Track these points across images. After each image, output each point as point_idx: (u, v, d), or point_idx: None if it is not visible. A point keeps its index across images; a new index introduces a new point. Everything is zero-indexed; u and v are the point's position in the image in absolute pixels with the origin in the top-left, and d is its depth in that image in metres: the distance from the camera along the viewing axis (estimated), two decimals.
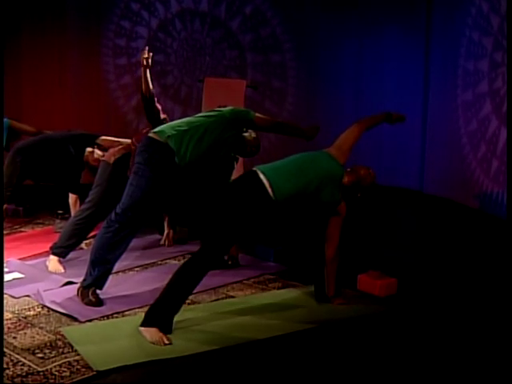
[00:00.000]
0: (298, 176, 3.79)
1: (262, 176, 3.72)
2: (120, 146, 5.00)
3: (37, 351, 3.38)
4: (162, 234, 5.70)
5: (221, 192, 4.59)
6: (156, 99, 4.73)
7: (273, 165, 3.87)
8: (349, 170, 3.99)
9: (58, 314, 3.91)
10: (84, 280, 4.12)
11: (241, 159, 5.36)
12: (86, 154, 5.66)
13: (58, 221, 6.07)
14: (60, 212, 6.09)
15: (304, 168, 3.84)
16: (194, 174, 4.25)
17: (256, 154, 4.68)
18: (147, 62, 4.47)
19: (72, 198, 5.67)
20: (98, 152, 5.55)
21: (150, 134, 4.12)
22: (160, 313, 3.59)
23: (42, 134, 6.09)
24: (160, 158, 4.00)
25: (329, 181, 3.84)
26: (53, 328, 3.70)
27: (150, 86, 4.58)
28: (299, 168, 3.84)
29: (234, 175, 4.75)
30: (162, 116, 4.80)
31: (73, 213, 5.54)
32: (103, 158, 4.99)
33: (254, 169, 3.81)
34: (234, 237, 3.73)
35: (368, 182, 4.03)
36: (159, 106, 4.79)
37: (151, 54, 4.48)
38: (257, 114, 4.23)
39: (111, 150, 4.99)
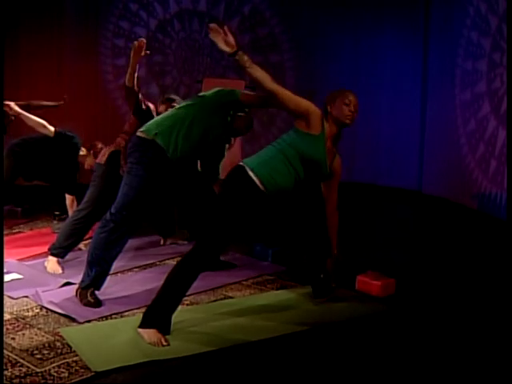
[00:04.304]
0: (285, 165, 3.70)
1: (251, 173, 3.65)
2: (109, 146, 5.03)
3: (35, 352, 3.37)
4: (160, 235, 5.70)
5: (212, 191, 4.59)
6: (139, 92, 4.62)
7: (259, 157, 3.74)
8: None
9: (56, 315, 3.91)
10: (82, 281, 4.12)
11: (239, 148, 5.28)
12: (81, 154, 5.70)
13: (55, 222, 6.07)
14: (57, 213, 6.10)
15: (288, 155, 3.73)
16: (187, 171, 4.25)
17: (248, 131, 4.58)
18: (141, 50, 4.34)
19: (69, 198, 5.69)
20: (88, 162, 5.60)
21: (138, 133, 4.12)
22: (157, 313, 3.58)
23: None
24: (152, 156, 4.01)
25: (311, 153, 3.72)
26: (51, 329, 3.70)
27: (135, 80, 4.52)
28: (284, 156, 3.73)
29: (232, 161, 4.64)
30: (145, 107, 4.72)
31: (70, 213, 5.55)
32: (97, 161, 5.02)
33: (242, 164, 3.73)
34: (227, 235, 3.69)
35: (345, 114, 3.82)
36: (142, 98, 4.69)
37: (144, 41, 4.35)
38: (243, 92, 4.19)
39: (102, 151, 5.02)
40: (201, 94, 4.27)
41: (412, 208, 7.54)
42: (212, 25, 3.53)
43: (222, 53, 3.58)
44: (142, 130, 4.12)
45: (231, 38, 3.50)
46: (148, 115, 4.62)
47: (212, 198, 4.49)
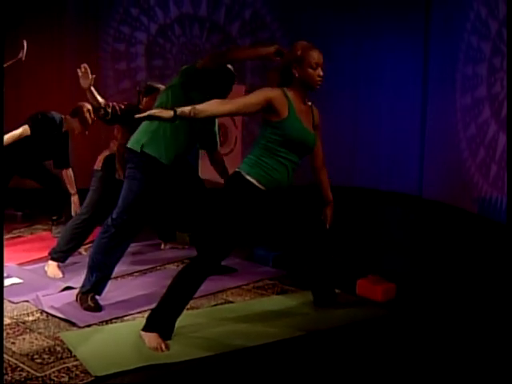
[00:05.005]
0: (275, 159, 3.65)
1: (248, 177, 3.65)
2: (104, 151, 5.06)
3: (35, 356, 3.37)
4: (160, 239, 5.70)
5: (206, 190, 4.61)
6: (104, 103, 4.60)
7: (249, 159, 3.69)
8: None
9: (56, 320, 3.90)
10: (82, 286, 4.12)
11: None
12: (65, 120, 5.84)
13: (53, 227, 6.06)
14: (54, 218, 6.09)
15: (273, 149, 3.66)
16: (183, 170, 4.26)
17: (233, 84, 4.45)
18: (86, 75, 4.32)
19: (66, 174, 5.83)
20: (78, 128, 5.76)
21: (129, 146, 4.16)
22: (160, 318, 3.58)
23: None
24: (147, 161, 4.05)
25: (291, 137, 3.65)
26: (51, 333, 3.69)
27: (100, 100, 4.52)
28: (270, 151, 3.66)
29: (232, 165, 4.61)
30: (120, 112, 4.67)
31: (72, 191, 5.74)
32: (94, 167, 5.03)
33: (238, 170, 3.73)
34: (232, 240, 3.69)
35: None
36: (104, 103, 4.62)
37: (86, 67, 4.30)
38: (199, 60, 4.13)
39: (99, 157, 5.04)
40: (168, 83, 4.27)
41: (412, 212, 7.54)
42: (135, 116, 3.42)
43: None
44: (130, 143, 4.16)
45: (162, 111, 3.36)
46: (127, 116, 4.64)
47: (208, 197, 4.52)
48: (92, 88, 4.35)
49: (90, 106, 5.63)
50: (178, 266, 5.06)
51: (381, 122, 8.14)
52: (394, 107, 8.04)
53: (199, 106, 3.39)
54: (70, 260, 4.93)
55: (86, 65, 4.29)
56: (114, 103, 4.65)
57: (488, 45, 6.35)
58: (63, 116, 5.91)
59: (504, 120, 5.91)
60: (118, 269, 4.36)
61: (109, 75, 8.44)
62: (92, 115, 5.63)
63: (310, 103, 3.84)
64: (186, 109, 3.35)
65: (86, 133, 5.79)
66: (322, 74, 3.70)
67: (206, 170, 6.33)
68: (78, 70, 4.29)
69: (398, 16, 7.94)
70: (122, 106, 4.67)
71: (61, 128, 5.87)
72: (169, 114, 3.32)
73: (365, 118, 8.23)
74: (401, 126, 8.01)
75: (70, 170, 5.88)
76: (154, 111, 3.34)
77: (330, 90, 8.03)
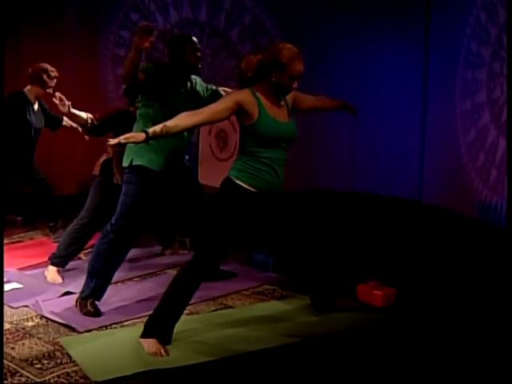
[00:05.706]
0: (260, 161, 3.65)
1: (237, 181, 3.65)
2: (102, 155, 5.07)
3: (35, 362, 3.37)
4: (160, 245, 5.69)
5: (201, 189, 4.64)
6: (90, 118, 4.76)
7: (237, 165, 3.69)
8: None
9: (56, 325, 3.91)
10: (82, 291, 4.12)
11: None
12: (27, 91, 5.73)
13: (51, 234, 6.05)
14: (51, 225, 6.08)
15: (256, 153, 3.66)
16: (177, 171, 4.31)
17: (198, 57, 4.60)
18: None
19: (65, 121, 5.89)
20: (39, 90, 5.66)
21: (124, 165, 4.22)
22: (158, 323, 3.58)
23: None
24: (140, 169, 4.10)
25: (269, 136, 3.66)
26: (51, 338, 3.70)
27: (84, 117, 4.61)
28: (253, 155, 3.66)
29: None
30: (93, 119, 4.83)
31: (75, 124, 5.70)
32: (93, 172, 5.04)
33: (228, 176, 3.69)
34: (226, 243, 3.68)
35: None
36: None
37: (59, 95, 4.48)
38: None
39: (97, 162, 5.05)
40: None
41: (412, 217, 7.53)
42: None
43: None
44: (123, 161, 4.20)
45: (134, 136, 3.41)
46: (117, 122, 4.74)
47: (207, 202, 4.53)
48: (72, 110, 4.45)
49: (44, 66, 5.62)
50: (177, 270, 5.05)
51: (381, 128, 8.14)
52: (394, 111, 8.04)
53: (169, 123, 3.40)
54: (69, 265, 4.93)
55: (60, 94, 4.50)
56: (102, 114, 4.72)
57: (488, 50, 6.35)
58: (22, 89, 5.83)
59: (504, 125, 5.91)
60: (118, 274, 4.37)
61: (109, 80, 8.44)
62: (49, 74, 5.57)
63: (283, 100, 3.79)
64: (158, 128, 3.38)
65: (50, 91, 5.60)
66: (295, 86, 3.70)
67: (205, 176, 6.35)
68: (54, 99, 4.39)
69: (398, 17, 7.93)
70: (107, 117, 4.74)
71: (27, 100, 5.77)
72: (141, 136, 3.35)
73: (365, 124, 8.23)
74: (401, 130, 8.01)
75: (64, 118, 5.90)
76: (126, 136, 3.38)
77: (330, 90, 8.06)
